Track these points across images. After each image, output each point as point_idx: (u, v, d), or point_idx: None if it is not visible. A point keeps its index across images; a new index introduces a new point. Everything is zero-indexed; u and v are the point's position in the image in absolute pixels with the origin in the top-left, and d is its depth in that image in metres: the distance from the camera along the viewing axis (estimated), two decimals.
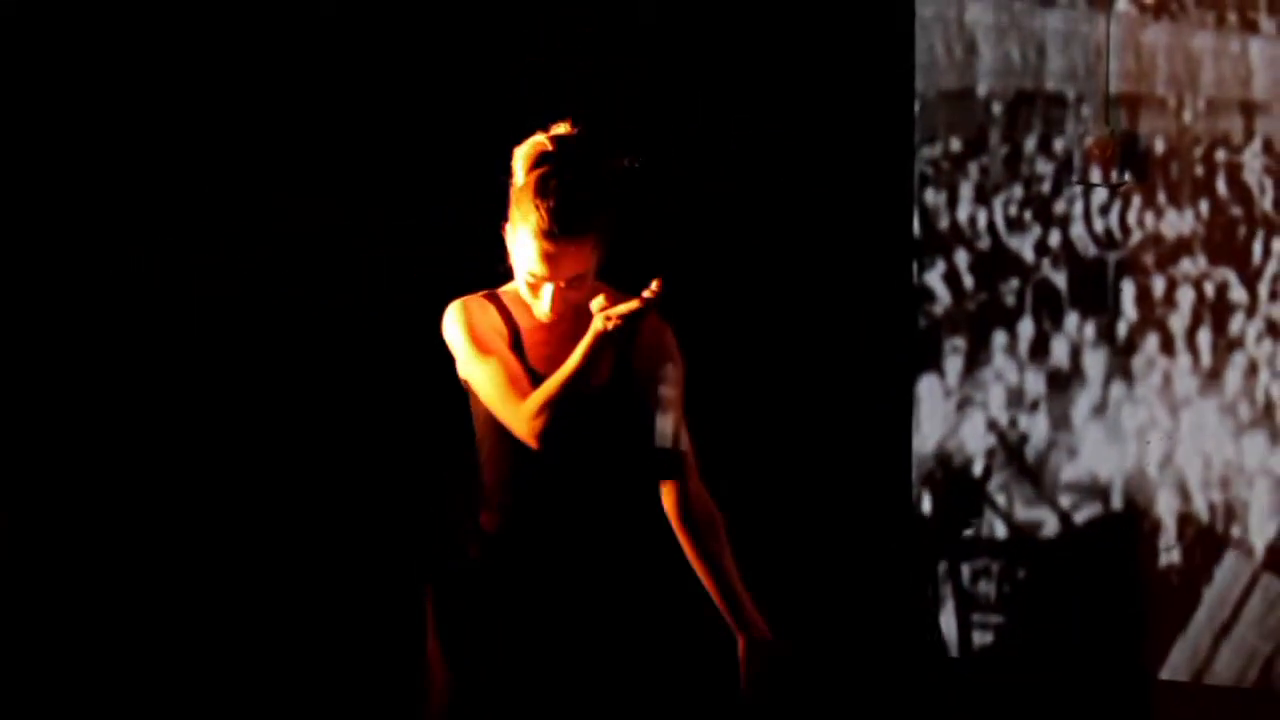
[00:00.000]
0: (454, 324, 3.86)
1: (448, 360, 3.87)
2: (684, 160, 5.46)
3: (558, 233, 3.69)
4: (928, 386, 5.83)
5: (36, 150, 5.22)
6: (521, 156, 3.78)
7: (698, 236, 5.49)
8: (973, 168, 5.76)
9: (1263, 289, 5.50)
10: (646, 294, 3.63)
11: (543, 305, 3.76)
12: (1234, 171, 5.51)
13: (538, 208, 3.70)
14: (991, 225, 5.75)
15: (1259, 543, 5.53)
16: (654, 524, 3.95)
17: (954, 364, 5.81)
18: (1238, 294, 5.53)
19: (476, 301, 3.88)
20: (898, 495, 5.80)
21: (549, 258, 3.70)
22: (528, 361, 3.83)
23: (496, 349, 3.82)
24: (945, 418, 5.81)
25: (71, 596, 5.29)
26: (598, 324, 3.67)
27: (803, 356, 5.66)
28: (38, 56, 5.20)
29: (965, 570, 5.77)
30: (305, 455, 5.40)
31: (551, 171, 3.72)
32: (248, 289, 5.40)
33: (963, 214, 5.79)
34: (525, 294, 3.80)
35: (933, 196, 5.80)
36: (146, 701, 5.32)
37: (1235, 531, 5.54)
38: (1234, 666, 5.55)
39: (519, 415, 3.75)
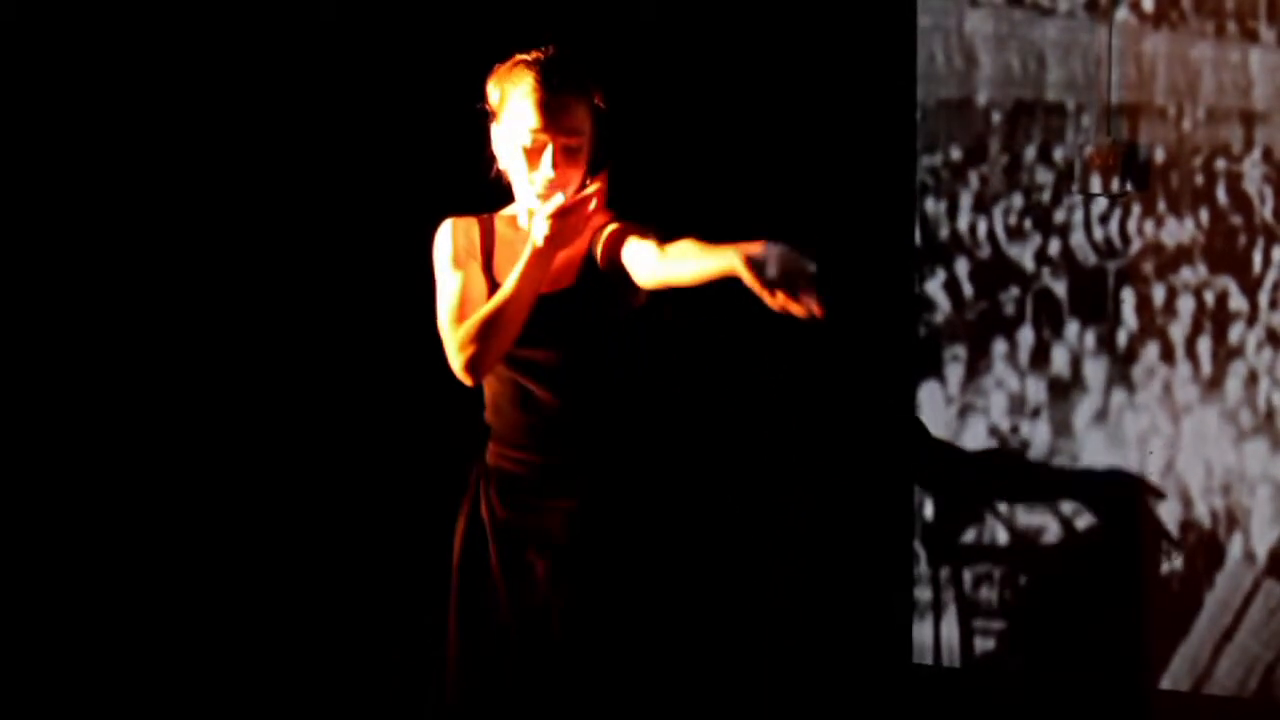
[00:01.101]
0: (438, 241, 3.99)
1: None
2: (685, 168, 5.46)
3: (555, 83, 3.80)
4: (929, 394, 5.85)
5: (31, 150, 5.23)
6: (499, 72, 3.92)
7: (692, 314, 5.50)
8: (973, 177, 5.78)
9: (1263, 297, 5.52)
10: (589, 190, 3.78)
11: (544, 169, 3.82)
12: (1234, 180, 5.54)
13: (530, 70, 3.83)
14: (991, 234, 5.77)
15: (1260, 549, 5.56)
16: (647, 436, 3.97)
17: (955, 372, 5.82)
18: (1238, 302, 5.55)
19: (465, 221, 3.99)
20: (900, 501, 5.82)
21: (545, 107, 3.80)
22: (497, 281, 3.91)
23: (466, 268, 3.90)
24: (947, 425, 5.83)
25: (73, 597, 5.29)
26: (535, 239, 3.76)
27: (804, 364, 5.68)
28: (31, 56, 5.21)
29: (966, 576, 5.79)
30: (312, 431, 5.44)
31: (539, 56, 3.87)
32: (239, 271, 5.42)
33: (963, 223, 5.80)
34: (522, 172, 3.87)
35: (932, 205, 5.81)
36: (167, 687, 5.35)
37: (1237, 538, 5.57)
38: (1235, 674, 5.58)
39: (453, 343, 3.84)
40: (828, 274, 3.52)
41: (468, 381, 3.88)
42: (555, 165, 3.83)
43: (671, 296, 3.98)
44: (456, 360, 3.86)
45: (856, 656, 5.75)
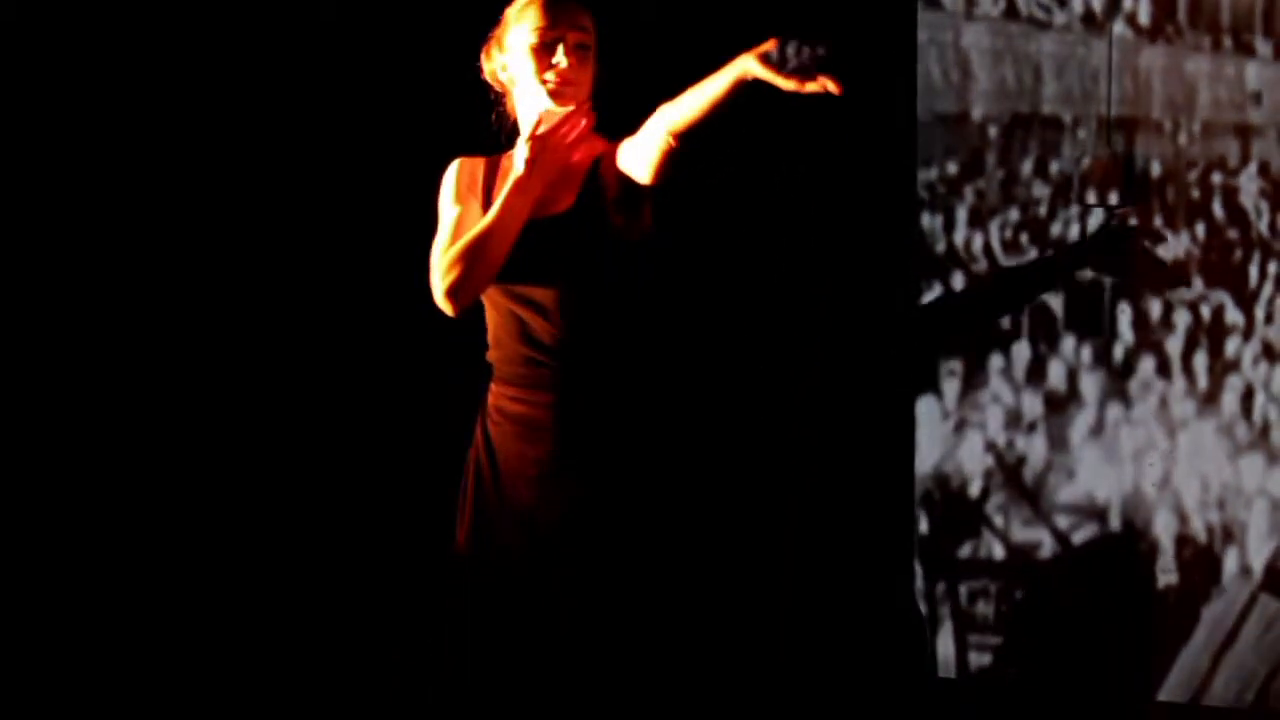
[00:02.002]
0: (444, 179, 4.06)
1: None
2: (681, 184, 5.45)
3: None
4: (926, 408, 5.84)
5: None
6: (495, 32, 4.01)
7: (696, 258, 5.50)
8: (969, 191, 5.78)
9: (1259, 311, 5.52)
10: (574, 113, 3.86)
11: (559, 58, 3.89)
12: (1230, 194, 5.54)
13: None
14: (988, 248, 5.77)
15: (1257, 563, 5.55)
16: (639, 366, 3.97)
17: (951, 386, 5.82)
18: (1234, 317, 5.55)
19: (472, 160, 4.07)
20: (898, 516, 5.81)
21: (551, 5, 3.90)
22: None
23: (465, 202, 3.93)
24: (943, 439, 5.82)
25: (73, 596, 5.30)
26: (517, 165, 3.78)
27: (801, 378, 5.67)
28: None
29: (963, 591, 5.79)
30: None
31: None
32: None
33: (959, 237, 5.80)
34: (531, 82, 3.88)
35: (929, 220, 5.81)
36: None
37: (1233, 553, 5.57)
38: (1232, 688, 5.58)
39: (437, 269, 3.85)
40: (839, 56, 3.59)
41: (449, 310, 3.88)
42: (568, 56, 3.86)
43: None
44: (439, 286, 3.88)
45: (854, 670, 5.75)
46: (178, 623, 5.40)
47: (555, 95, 3.90)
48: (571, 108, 3.89)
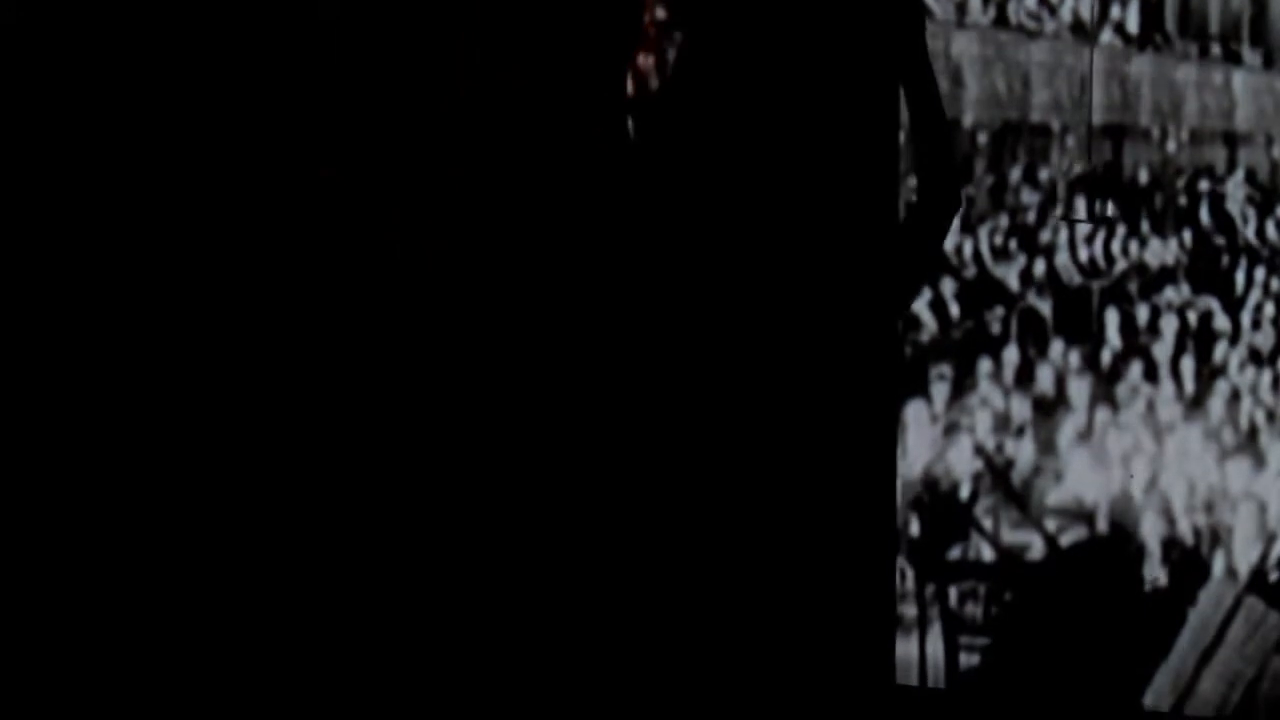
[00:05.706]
0: None
1: None
2: (673, 191, 5.49)
3: None
4: (914, 412, 5.89)
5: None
6: None
7: (685, 259, 5.52)
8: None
9: (1245, 317, 5.59)
10: None
11: None
12: (1217, 201, 5.61)
13: None
14: (977, 254, 5.82)
15: (1243, 566, 5.61)
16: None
17: (940, 390, 5.87)
18: (1221, 322, 5.61)
19: None
20: (885, 519, 5.84)
21: None
22: None
23: None
24: (932, 443, 5.87)
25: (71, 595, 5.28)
26: None
27: (790, 384, 5.70)
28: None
29: (952, 593, 5.83)
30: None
31: None
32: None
33: (949, 243, 5.84)
34: None
35: None
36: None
37: (1219, 555, 5.62)
38: (1218, 690, 5.62)
39: None
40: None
41: None
42: None
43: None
44: None
45: (837, 675, 5.76)
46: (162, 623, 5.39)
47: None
48: None
